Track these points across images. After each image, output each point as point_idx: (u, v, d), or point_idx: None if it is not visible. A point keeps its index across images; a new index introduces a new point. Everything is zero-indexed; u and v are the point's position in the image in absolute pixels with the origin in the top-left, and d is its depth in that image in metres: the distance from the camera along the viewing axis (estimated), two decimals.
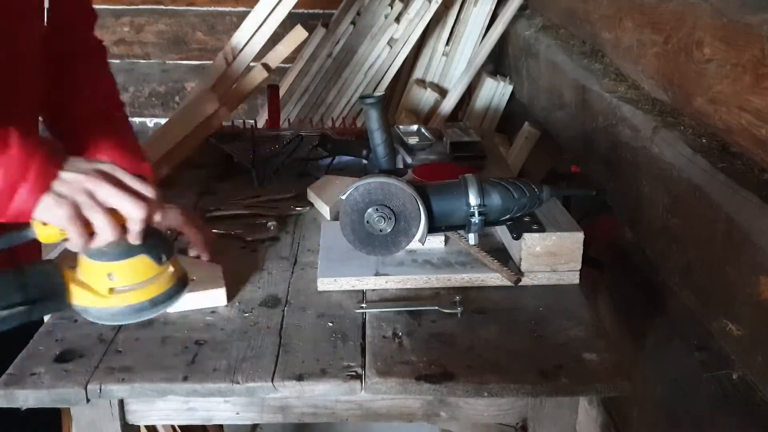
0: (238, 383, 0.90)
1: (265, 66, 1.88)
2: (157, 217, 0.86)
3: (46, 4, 1.08)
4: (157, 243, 0.89)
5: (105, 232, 0.83)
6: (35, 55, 1.08)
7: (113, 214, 0.83)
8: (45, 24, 1.10)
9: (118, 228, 0.83)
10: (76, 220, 0.81)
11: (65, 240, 0.84)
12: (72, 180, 0.82)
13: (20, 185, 0.80)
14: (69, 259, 0.91)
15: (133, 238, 0.85)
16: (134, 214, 0.83)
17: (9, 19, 0.98)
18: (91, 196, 0.82)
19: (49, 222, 0.82)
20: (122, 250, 0.86)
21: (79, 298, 0.87)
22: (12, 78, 1.02)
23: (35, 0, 1.05)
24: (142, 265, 0.88)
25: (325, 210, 1.37)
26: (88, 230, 0.83)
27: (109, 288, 0.87)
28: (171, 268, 0.91)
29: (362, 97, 1.21)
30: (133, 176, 0.86)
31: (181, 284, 0.93)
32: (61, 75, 1.16)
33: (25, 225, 0.83)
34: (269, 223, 1.32)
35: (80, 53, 1.19)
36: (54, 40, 1.13)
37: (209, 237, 1.11)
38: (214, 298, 1.07)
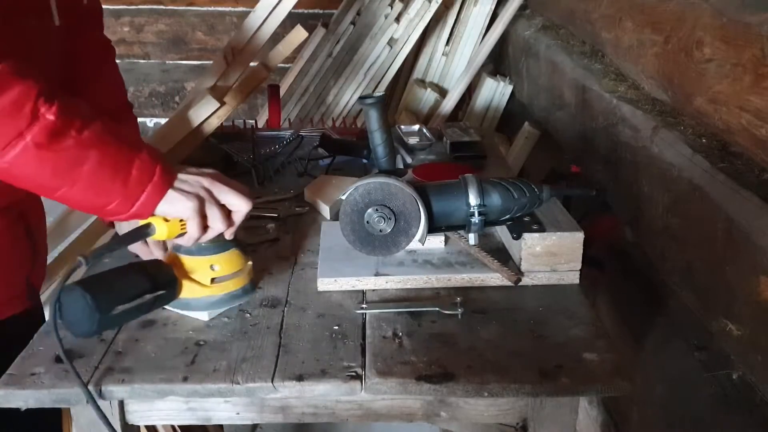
0: (238, 383, 0.90)
1: (265, 66, 1.88)
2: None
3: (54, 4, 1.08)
4: (238, 241, 1.05)
5: (218, 225, 0.95)
6: (48, 51, 1.08)
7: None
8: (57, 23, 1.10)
9: (229, 221, 0.96)
10: (200, 212, 0.93)
11: (179, 236, 0.95)
12: (191, 180, 0.93)
13: (148, 184, 0.89)
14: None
15: (233, 231, 0.99)
16: (243, 207, 0.97)
17: (21, 15, 1.00)
18: (209, 192, 0.94)
19: (173, 215, 0.93)
20: (220, 244, 1.01)
21: (187, 290, 1.00)
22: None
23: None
24: (235, 257, 1.04)
25: (324, 210, 1.37)
26: (204, 224, 0.94)
27: (211, 278, 1.01)
28: (250, 262, 1.07)
29: (362, 97, 1.20)
30: (231, 179, 0.98)
31: (255, 277, 1.10)
32: (66, 74, 1.16)
33: (146, 223, 0.94)
34: (269, 225, 1.32)
35: (87, 52, 1.21)
36: (63, 39, 1.14)
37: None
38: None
